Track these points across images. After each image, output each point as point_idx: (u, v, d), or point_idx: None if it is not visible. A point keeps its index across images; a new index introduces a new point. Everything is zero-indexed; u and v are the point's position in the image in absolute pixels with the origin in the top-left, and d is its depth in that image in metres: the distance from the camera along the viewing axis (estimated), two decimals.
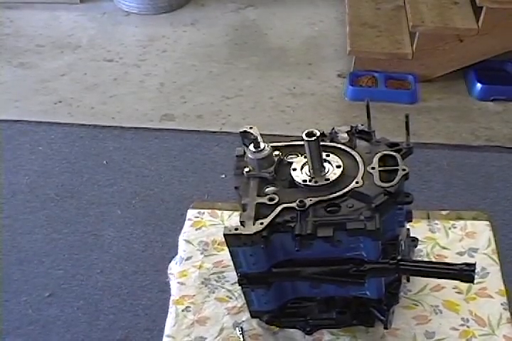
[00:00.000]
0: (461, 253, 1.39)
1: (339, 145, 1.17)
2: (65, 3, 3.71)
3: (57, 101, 3.05)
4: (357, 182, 1.08)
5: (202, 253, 1.42)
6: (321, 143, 1.10)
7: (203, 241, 1.44)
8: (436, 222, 1.46)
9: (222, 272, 1.37)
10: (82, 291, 2.23)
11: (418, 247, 1.36)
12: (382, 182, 1.07)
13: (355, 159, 1.13)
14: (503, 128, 2.88)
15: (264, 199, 1.09)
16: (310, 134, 1.07)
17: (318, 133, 1.07)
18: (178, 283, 1.37)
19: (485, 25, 2.89)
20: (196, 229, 1.47)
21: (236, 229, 1.05)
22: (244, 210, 1.09)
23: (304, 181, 1.11)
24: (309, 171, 1.12)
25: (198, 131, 2.88)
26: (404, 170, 1.08)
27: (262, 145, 1.13)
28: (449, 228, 1.44)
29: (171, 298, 1.35)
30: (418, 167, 2.60)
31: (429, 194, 2.52)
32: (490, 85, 3.00)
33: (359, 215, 1.04)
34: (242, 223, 1.06)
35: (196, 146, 2.79)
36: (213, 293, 1.34)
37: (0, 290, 2.23)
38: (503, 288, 1.32)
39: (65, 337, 2.11)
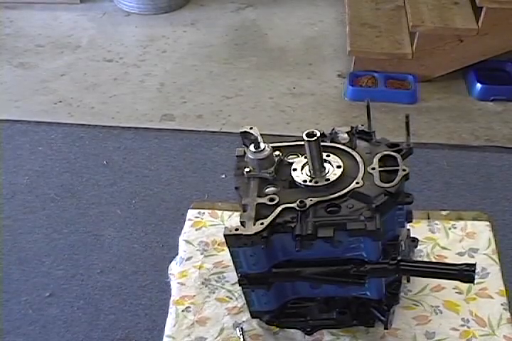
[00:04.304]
0: (461, 254, 1.39)
1: (339, 146, 1.17)
2: (65, 3, 3.71)
3: (57, 101, 3.05)
4: (357, 183, 1.08)
5: (202, 254, 1.42)
6: (322, 144, 1.10)
7: (203, 242, 1.44)
8: (437, 222, 1.46)
9: (223, 272, 1.37)
10: (82, 291, 2.23)
11: (418, 247, 1.36)
12: (382, 182, 1.07)
13: (356, 159, 1.13)
14: (503, 128, 2.88)
15: (265, 200, 1.09)
16: (310, 134, 1.07)
17: (318, 134, 1.07)
18: (178, 283, 1.37)
19: (485, 25, 2.89)
20: (196, 230, 1.47)
21: (236, 230, 1.05)
22: (244, 210, 1.09)
23: (305, 181, 1.11)
24: (310, 171, 1.12)
25: (198, 131, 2.88)
26: (404, 170, 1.08)
27: (262, 145, 1.13)
28: (449, 228, 1.44)
29: (171, 298, 1.35)
30: (418, 167, 2.61)
31: (429, 194, 2.52)
32: (490, 85, 3.00)
33: (359, 216, 1.04)
34: (242, 223, 1.06)
35: (196, 146, 2.79)
36: (213, 293, 1.34)
37: (0, 290, 2.23)
38: (503, 288, 1.32)
39: (65, 337, 2.11)
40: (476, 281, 1.07)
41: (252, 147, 1.13)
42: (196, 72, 3.24)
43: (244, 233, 1.04)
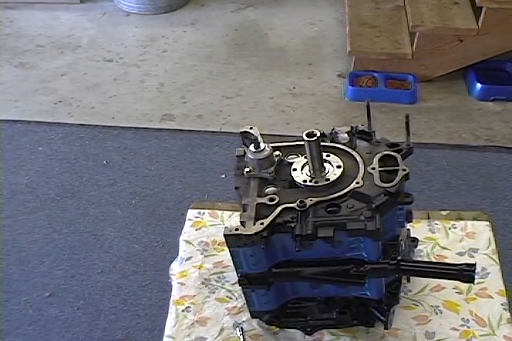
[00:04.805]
0: (461, 254, 1.39)
1: (339, 146, 1.17)
2: (65, 3, 3.71)
3: (57, 101, 3.05)
4: (357, 183, 1.08)
5: (202, 254, 1.42)
6: (322, 144, 1.10)
7: (203, 242, 1.44)
8: (437, 222, 1.46)
9: (223, 272, 1.37)
10: (82, 291, 2.23)
11: (418, 247, 1.36)
12: (382, 182, 1.07)
13: (356, 159, 1.13)
14: (503, 128, 2.88)
15: (265, 200, 1.09)
16: (310, 134, 1.07)
17: (318, 134, 1.07)
18: (178, 283, 1.37)
19: (485, 25, 2.89)
20: (196, 230, 1.47)
21: (236, 230, 1.05)
22: (244, 210, 1.09)
23: (305, 181, 1.11)
24: (309, 171, 1.12)
25: (198, 131, 2.88)
26: (404, 170, 1.08)
27: (262, 145, 1.13)
28: (449, 228, 1.44)
29: (171, 298, 1.35)
30: (418, 167, 2.60)
31: (429, 194, 2.52)
32: (490, 85, 3.00)
33: (359, 215, 1.04)
34: (242, 223, 1.06)
35: (196, 146, 2.79)
36: (213, 293, 1.34)
37: (0, 290, 2.23)
38: (503, 288, 1.32)
39: (65, 337, 2.11)
40: (476, 281, 1.07)
41: (252, 147, 1.13)
42: (196, 72, 3.24)
43: (244, 233, 1.04)
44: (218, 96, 3.07)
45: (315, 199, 1.07)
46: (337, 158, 1.14)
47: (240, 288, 1.18)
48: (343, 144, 1.18)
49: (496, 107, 2.99)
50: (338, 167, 1.12)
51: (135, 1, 3.61)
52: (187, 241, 1.44)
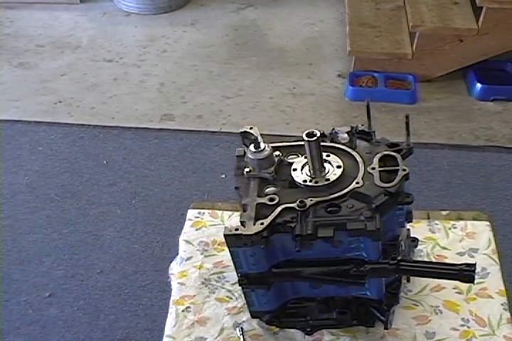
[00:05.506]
0: (461, 254, 1.39)
1: (339, 146, 1.17)
2: (65, 3, 3.71)
3: (57, 101, 3.05)
4: (357, 183, 1.08)
5: (202, 254, 1.42)
6: (322, 144, 1.10)
7: (203, 242, 1.44)
8: (437, 222, 1.46)
9: (223, 272, 1.37)
10: (82, 291, 2.23)
11: (418, 247, 1.36)
12: (382, 182, 1.07)
13: (356, 159, 1.13)
14: (503, 128, 2.88)
15: (265, 200, 1.09)
16: (310, 134, 1.07)
17: (318, 134, 1.07)
18: (178, 283, 1.37)
19: (485, 25, 2.89)
20: (196, 230, 1.47)
21: (236, 230, 1.05)
22: (244, 210, 1.09)
23: (305, 181, 1.11)
24: (309, 171, 1.12)
25: (198, 131, 2.88)
26: (404, 170, 1.08)
27: (262, 145, 1.13)
28: (449, 228, 1.44)
29: (171, 298, 1.35)
30: (418, 167, 2.61)
31: (429, 194, 2.52)
32: (490, 85, 3.00)
33: (359, 215, 1.04)
34: (242, 223, 1.06)
35: (196, 146, 2.79)
36: (213, 293, 1.34)
37: (0, 290, 2.23)
38: (503, 288, 1.32)
39: (65, 337, 2.11)
40: (476, 281, 1.07)
41: (252, 147, 1.13)
42: (196, 72, 3.24)
43: (244, 233, 1.04)
44: (218, 96, 3.07)
45: (315, 199, 1.07)
46: (337, 158, 1.14)
47: (240, 288, 1.18)
48: (343, 144, 1.17)
49: (496, 107, 2.99)
50: (338, 167, 1.12)
51: (135, 1, 3.61)
52: (187, 241, 1.44)
